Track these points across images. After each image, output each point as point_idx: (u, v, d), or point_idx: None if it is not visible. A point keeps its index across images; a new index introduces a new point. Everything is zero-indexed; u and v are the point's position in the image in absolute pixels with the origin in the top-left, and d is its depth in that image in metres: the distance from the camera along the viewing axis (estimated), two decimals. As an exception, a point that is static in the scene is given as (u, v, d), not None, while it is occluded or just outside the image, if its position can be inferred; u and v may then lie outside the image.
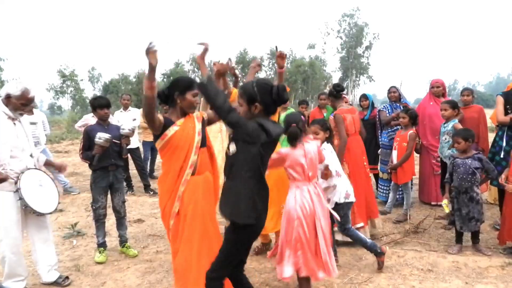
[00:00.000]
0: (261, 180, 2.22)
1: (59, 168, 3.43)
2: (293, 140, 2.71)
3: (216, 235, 2.65)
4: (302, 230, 2.66)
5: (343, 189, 3.28)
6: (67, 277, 3.31)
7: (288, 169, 2.73)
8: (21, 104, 2.92)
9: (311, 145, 2.78)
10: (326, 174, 3.17)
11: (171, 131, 2.57)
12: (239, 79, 3.76)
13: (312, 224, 2.69)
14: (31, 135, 3.19)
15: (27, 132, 3.09)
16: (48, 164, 3.37)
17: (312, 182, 2.77)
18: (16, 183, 2.87)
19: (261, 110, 2.17)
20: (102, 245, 3.79)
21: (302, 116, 2.84)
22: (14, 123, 2.98)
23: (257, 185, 2.18)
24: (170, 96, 2.66)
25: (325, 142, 3.28)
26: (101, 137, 3.50)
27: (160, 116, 2.56)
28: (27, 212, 2.98)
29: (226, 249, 2.24)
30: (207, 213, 2.63)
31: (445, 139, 4.47)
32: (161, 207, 2.68)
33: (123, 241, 3.94)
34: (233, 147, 2.15)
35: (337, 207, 3.25)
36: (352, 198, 3.32)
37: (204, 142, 2.73)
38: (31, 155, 3.09)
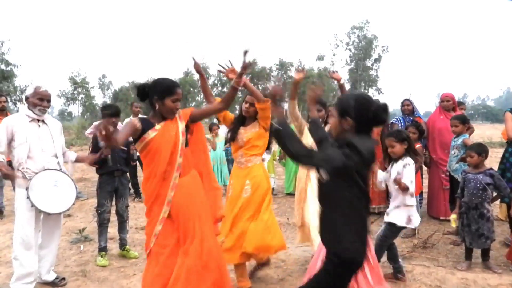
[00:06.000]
0: (364, 207, 2.00)
1: (89, 161, 3.53)
2: None
3: (211, 234, 2.58)
4: None
5: (410, 213, 3.12)
6: (63, 278, 3.37)
7: None
8: (38, 99, 3.06)
9: None
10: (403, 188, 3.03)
11: (150, 135, 2.43)
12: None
13: None
14: (58, 138, 3.25)
15: (53, 134, 3.18)
16: (79, 160, 3.49)
17: None
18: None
19: (352, 127, 1.93)
20: (103, 249, 3.84)
21: None
22: (39, 125, 3.10)
23: (360, 215, 1.99)
24: (149, 98, 2.49)
25: (407, 157, 3.14)
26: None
27: (137, 124, 2.41)
28: (37, 211, 3.02)
29: (324, 280, 2.02)
30: (202, 213, 2.54)
31: (454, 153, 4.45)
32: (148, 213, 2.56)
33: (123, 244, 4.00)
34: (325, 175, 1.93)
35: (392, 227, 3.12)
36: (412, 224, 3.11)
37: (187, 141, 2.61)
38: (55, 156, 3.16)
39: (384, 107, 1.91)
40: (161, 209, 2.46)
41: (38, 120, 3.11)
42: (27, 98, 3.09)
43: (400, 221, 3.09)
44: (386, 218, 3.17)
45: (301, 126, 3.38)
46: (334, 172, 1.88)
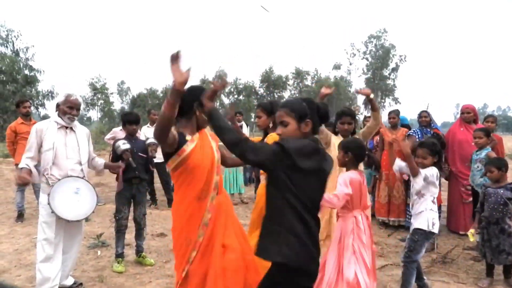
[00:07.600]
0: (309, 215, 1.85)
1: (115, 168, 3.60)
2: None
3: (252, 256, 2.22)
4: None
5: (433, 216, 3.07)
6: (81, 284, 3.42)
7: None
8: (67, 107, 3.14)
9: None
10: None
11: (189, 146, 2.23)
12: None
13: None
14: (84, 145, 3.31)
15: (80, 141, 3.25)
16: (107, 167, 3.52)
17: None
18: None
19: (311, 129, 1.95)
20: (120, 256, 3.88)
21: None
22: (66, 132, 3.18)
23: (302, 220, 1.81)
24: (187, 106, 2.27)
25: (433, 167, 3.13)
26: (119, 145, 3.67)
27: (174, 131, 2.17)
28: (57, 217, 3.07)
29: None
30: (240, 236, 2.37)
31: (477, 167, 4.35)
32: (177, 238, 2.30)
33: (139, 251, 4.04)
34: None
35: (416, 231, 3.09)
36: (435, 229, 3.07)
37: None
38: (80, 163, 3.23)
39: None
40: (196, 233, 2.23)
41: (66, 127, 3.19)
42: (58, 106, 3.20)
43: (429, 225, 3.03)
44: (411, 227, 3.14)
45: (326, 137, 3.29)
46: (256, 164, 1.86)
